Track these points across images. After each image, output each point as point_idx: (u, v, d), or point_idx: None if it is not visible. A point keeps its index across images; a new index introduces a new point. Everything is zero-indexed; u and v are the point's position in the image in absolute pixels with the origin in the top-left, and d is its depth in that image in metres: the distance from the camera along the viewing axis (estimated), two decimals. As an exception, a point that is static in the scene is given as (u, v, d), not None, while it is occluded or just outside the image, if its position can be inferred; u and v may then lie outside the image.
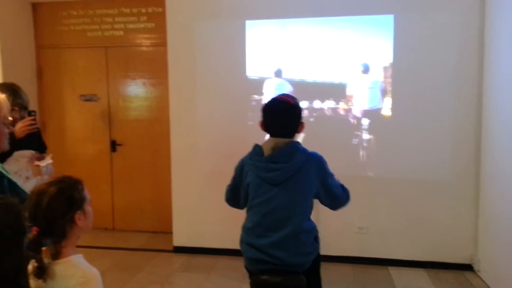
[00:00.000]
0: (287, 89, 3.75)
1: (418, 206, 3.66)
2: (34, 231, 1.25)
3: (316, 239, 1.93)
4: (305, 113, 3.75)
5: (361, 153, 3.73)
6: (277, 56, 3.78)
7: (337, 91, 3.72)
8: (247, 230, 1.88)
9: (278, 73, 3.79)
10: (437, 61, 3.54)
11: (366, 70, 3.67)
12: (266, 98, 3.76)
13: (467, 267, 3.60)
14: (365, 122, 3.71)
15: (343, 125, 3.74)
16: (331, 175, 1.90)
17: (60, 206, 1.30)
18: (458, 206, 3.61)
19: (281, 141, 1.84)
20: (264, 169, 1.81)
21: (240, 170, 1.95)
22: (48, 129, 4.64)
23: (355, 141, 3.73)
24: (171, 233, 4.10)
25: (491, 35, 3.37)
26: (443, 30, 3.52)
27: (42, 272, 1.26)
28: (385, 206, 3.72)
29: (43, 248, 1.29)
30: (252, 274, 1.87)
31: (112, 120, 4.55)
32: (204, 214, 3.95)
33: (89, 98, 4.57)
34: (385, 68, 3.65)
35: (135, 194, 4.55)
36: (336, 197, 1.92)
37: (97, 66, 4.51)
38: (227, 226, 3.54)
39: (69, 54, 4.56)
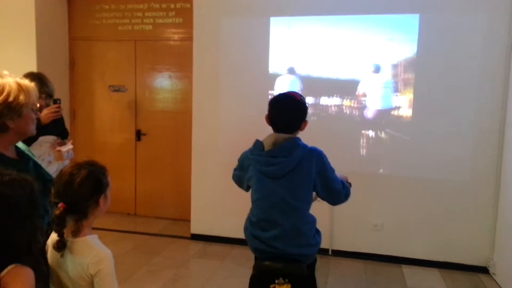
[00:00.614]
0: (298, 86, 3.82)
1: (435, 205, 3.64)
2: (61, 207, 1.35)
3: (317, 232, 1.96)
4: (320, 110, 3.83)
5: (379, 151, 3.74)
6: (297, 53, 3.84)
7: (356, 89, 3.75)
8: (252, 223, 1.94)
9: (290, 70, 3.85)
10: (462, 61, 3.51)
11: (377, 70, 3.69)
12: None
13: (483, 270, 3.56)
14: (384, 120, 3.73)
15: (361, 122, 3.76)
16: (331, 170, 1.91)
17: (89, 188, 1.40)
18: (476, 208, 3.57)
19: (282, 136, 1.89)
20: (265, 163, 1.86)
21: (241, 164, 2.03)
22: (78, 117, 4.87)
23: (373, 139, 3.75)
24: (189, 221, 4.24)
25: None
26: (469, 30, 3.48)
27: (62, 246, 1.36)
28: (401, 204, 3.72)
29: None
30: (256, 258, 1.94)
31: (138, 110, 4.73)
32: (221, 204, 4.06)
33: (117, 89, 4.77)
34: (406, 67, 3.65)
35: (157, 182, 4.72)
36: (334, 191, 1.92)
37: (126, 59, 4.71)
38: (242, 217, 3.57)
39: (100, 46, 4.78)
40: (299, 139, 1.92)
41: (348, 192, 2.01)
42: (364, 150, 3.76)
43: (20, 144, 1.68)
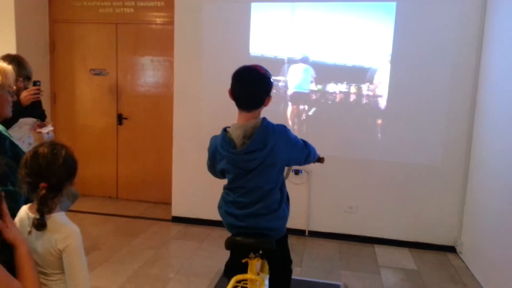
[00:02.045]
0: (312, 75, 3.88)
1: (407, 188, 3.80)
2: (43, 187, 1.38)
3: (287, 205, 2.00)
4: (297, 94, 3.91)
5: (354, 136, 3.86)
6: (279, 36, 3.90)
7: (337, 74, 3.84)
8: (226, 201, 1.97)
9: (304, 59, 3.89)
10: (436, 49, 3.62)
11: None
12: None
13: (450, 249, 3.75)
14: (358, 106, 3.84)
15: (339, 108, 3.87)
16: (295, 143, 1.92)
17: (70, 168, 1.45)
18: (446, 191, 3.74)
19: (250, 126, 1.83)
20: (241, 161, 1.83)
21: (212, 156, 1.97)
22: (58, 101, 4.86)
23: (350, 124, 3.86)
24: (170, 204, 4.32)
25: (491, 26, 3.45)
26: (443, 19, 3.60)
27: (43, 225, 1.38)
28: (375, 187, 3.87)
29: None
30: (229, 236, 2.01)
31: (120, 94, 4.75)
32: (202, 187, 4.14)
33: (98, 73, 4.77)
34: (384, 54, 3.76)
35: (139, 166, 4.77)
36: (301, 159, 1.99)
37: (107, 42, 4.70)
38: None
39: (81, 29, 4.75)
40: (267, 122, 1.86)
41: (311, 151, 2.02)
42: (339, 135, 3.87)
43: None
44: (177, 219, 4.23)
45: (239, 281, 1.84)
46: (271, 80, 1.91)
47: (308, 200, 3.95)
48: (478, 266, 3.31)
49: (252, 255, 1.86)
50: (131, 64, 4.70)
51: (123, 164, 4.82)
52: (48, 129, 2.70)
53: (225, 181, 2.01)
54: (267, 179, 1.87)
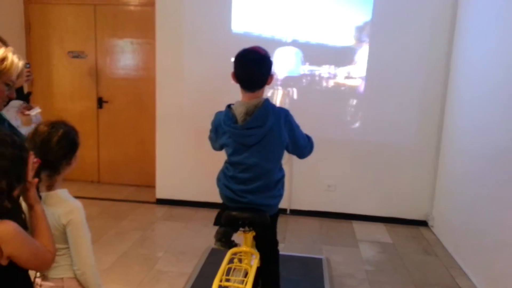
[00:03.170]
0: (301, 57, 3.96)
1: (384, 167, 4.01)
2: (36, 162, 1.41)
3: (282, 186, 2.14)
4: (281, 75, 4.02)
5: (334, 117, 4.01)
6: (261, 14, 3.95)
7: (313, 55, 3.96)
8: (226, 176, 2.07)
9: (294, 42, 3.95)
10: (410, 34, 3.78)
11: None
12: (280, 67, 3.98)
13: (423, 223, 4.00)
14: (338, 87, 3.98)
15: (317, 90, 4.00)
16: (297, 128, 2.07)
17: (65, 147, 1.49)
18: (419, 169, 3.97)
19: (252, 103, 1.94)
20: (241, 136, 1.95)
21: (215, 130, 2.07)
22: (36, 84, 4.76)
23: (329, 106, 3.99)
24: (154, 187, 4.37)
25: (463, 12, 3.63)
26: (419, 3, 3.75)
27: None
28: (353, 166, 4.05)
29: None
30: (224, 209, 2.12)
31: (100, 77, 4.71)
32: (186, 169, 4.22)
33: (76, 55, 4.70)
34: (361, 36, 3.89)
35: (121, 149, 4.78)
36: (302, 147, 2.11)
37: (85, 24, 4.62)
38: (206, 181, 3.77)
39: (58, 11, 4.65)
40: (268, 102, 1.98)
41: (313, 145, 2.17)
42: (318, 116, 3.99)
43: None
44: (162, 201, 4.30)
45: (234, 254, 1.95)
46: (271, 59, 2.01)
47: (289, 180, 4.08)
48: (448, 238, 3.57)
49: (247, 228, 1.97)
50: (110, 47, 4.65)
51: (105, 148, 4.81)
52: (35, 111, 2.70)
53: (218, 158, 2.10)
54: (266, 157, 1.97)
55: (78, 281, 1.52)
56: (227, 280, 1.75)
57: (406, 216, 4.04)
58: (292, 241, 3.58)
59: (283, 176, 2.12)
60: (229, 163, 2.06)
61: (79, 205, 1.52)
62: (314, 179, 4.10)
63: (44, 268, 1.43)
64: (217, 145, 2.14)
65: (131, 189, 4.72)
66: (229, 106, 2.02)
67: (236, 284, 1.72)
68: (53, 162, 1.48)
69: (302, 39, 3.94)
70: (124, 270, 2.95)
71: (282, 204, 4.08)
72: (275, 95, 4.04)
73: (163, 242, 3.49)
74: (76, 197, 1.58)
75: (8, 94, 1.62)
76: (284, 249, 3.39)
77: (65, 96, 4.79)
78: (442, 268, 3.19)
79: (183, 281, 2.82)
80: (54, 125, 1.51)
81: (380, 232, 3.86)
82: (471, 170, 3.16)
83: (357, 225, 3.98)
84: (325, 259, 3.24)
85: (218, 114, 2.08)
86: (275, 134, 1.95)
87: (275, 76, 2.09)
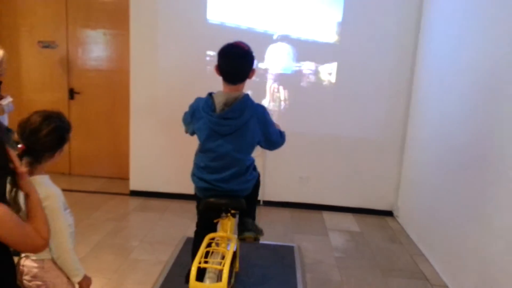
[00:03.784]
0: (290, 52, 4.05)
1: (353, 160, 4.18)
2: (20, 148, 1.46)
3: (254, 168, 2.26)
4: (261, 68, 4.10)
5: (307, 111, 4.13)
6: (236, 3, 4.00)
7: (288, 49, 4.06)
8: (199, 168, 2.15)
9: (283, 37, 4.02)
10: (378, 31, 3.95)
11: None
12: (269, 63, 4.05)
13: (389, 213, 4.21)
14: (312, 82, 4.11)
15: (290, 84, 4.12)
16: (271, 124, 2.16)
17: (52, 141, 1.53)
18: (386, 162, 4.16)
19: (232, 96, 2.03)
20: (216, 124, 2.03)
21: (192, 113, 2.13)
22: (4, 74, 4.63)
23: (302, 100, 4.12)
24: (127, 179, 4.37)
25: (428, 11, 3.83)
26: (386, 2, 3.92)
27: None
28: (324, 159, 4.20)
29: None
30: (201, 199, 2.20)
31: (71, 68, 4.64)
32: (160, 161, 4.25)
33: (47, 45, 4.61)
34: (333, 31, 4.03)
35: (93, 142, 4.74)
36: (274, 142, 2.22)
37: (56, 13, 4.53)
38: (180, 173, 3.85)
39: (27, -1, 4.54)
40: (248, 97, 2.07)
41: (284, 139, 2.29)
42: (292, 111, 4.13)
43: None
44: (136, 193, 4.31)
45: (212, 239, 2.03)
46: (253, 55, 2.10)
47: (262, 172, 4.18)
48: (412, 227, 3.78)
49: (223, 214, 2.05)
50: (82, 37, 4.59)
51: (76, 140, 4.74)
52: (7, 100, 2.70)
53: (192, 150, 2.17)
54: (237, 148, 2.06)
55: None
56: (206, 262, 1.82)
57: (373, 206, 4.24)
58: (265, 231, 3.63)
59: (253, 161, 2.23)
60: (201, 152, 2.13)
61: (57, 192, 1.57)
62: (286, 171, 4.22)
63: (34, 251, 1.48)
64: (189, 129, 2.20)
65: (104, 181, 4.70)
66: (210, 94, 2.09)
67: (214, 265, 1.80)
68: (37, 152, 1.52)
69: (276, 31, 4.03)
70: (99, 259, 2.97)
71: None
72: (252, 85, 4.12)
73: (138, 232, 3.52)
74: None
75: None
76: (257, 238, 3.50)
77: (35, 86, 4.69)
78: (406, 255, 3.38)
79: (159, 268, 2.87)
80: (48, 117, 1.54)
81: (349, 221, 4.03)
82: (435, 161, 3.36)
83: (327, 216, 4.13)
84: (297, 246, 3.37)
85: (198, 99, 2.15)
86: (249, 128, 2.04)
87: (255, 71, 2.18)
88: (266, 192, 4.26)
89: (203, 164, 2.11)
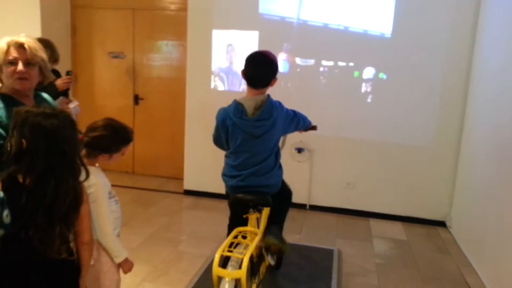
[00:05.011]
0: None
1: (402, 167, 4.08)
2: (80, 137, 1.70)
3: (280, 167, 2.38)
4: (295, 73, 4.18)
5: (356, 117, 4.12)
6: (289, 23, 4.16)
7: (339, 54, 4.10)
8: (231, 166, 2.31)
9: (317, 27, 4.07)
10: (431, 33, 3.84)
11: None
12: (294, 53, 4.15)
13: (441, 224, 4.04)
14: (359, 88, 4.10)
15: (336, 90, 4.14)
16: (287, 113, 2.31)
17: (99, 145, 1.78)
18: (439, 170, 4.01)
19: (260, 99, 2.19)
20: (251, 127, 2.19)
21: (221, 124, 2.28)
22: (79, 82, 5.21)
23: (352, 105, 4.12)
24: (182, 179, 4.67)
25: (486, 6, 3.64)
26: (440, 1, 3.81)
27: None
28: (373, 165, 4.15)
29: None
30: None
31: (136, 76, 5.08)
32: (211, 163, 4.46)
33: (116, 56, 5.10)
34: (384, 34, 3.99)
35: (153, 144, 5.13)
36: (293, 127, 2.39)
37: (125, 27, 5.01)
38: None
39: (101, 14, 5.07)
40: (271, 98, 2.25)
41: (303, 119, 2.43)
42: (341, 117, 4.14)
43: (46, 96, 2.04)
44: (189, 192, 4.59)
45: (240, 232, 2.16)
46: (277, 64, 2.25)
47: (309, 177, 4.26)
48: (463, 238, 3.60)
49: (251, 210, 2.18)
50: (147, 48, 5.01)
51: (139, 142, 5.15)
52: (74, 103, 3.08)
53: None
54: (267, 146, 2.23)
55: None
56: (229, 251, 1.96)
57: (424, 216, 4.09)
58: (308, 233, 3.75)
59: (279, 160, 2.37)
60: (232, 153, 2.29)
61: (102, 182, 1.79)
62: (334, 177, 4.24)
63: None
64: (223, 143, 2.36)
65: (162, 180, 5.05)
66: (236, 101, 2.26)
67: (236, 255, 1.93)
68: (90, 146, 1.78)
69: (324, 33, 4.08)
70: (150, 249, 3.24)
71: (302, 200, 4.32)
72: (284, 88, 4.21)
73: (187, 227, 3.76)
74: (112, 186, 1.87)
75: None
76: (299, 240, 3.58)
77: (105, 93, 5.20)
78: (453, 265, 3.25)
79: (202, 261, 3.07)
80: (107, 125, 1.81)
81: (396, 230, 3.94)
82: (491, 171, 3.18)
83: (374, 223, 4.07)
84: (337, 250, 3.38)
85: (221, 109, 2.31)
86: (276, 126, 2.22)
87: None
88: (312, 197, 4.31)
89: (235, 163, 2.27)
